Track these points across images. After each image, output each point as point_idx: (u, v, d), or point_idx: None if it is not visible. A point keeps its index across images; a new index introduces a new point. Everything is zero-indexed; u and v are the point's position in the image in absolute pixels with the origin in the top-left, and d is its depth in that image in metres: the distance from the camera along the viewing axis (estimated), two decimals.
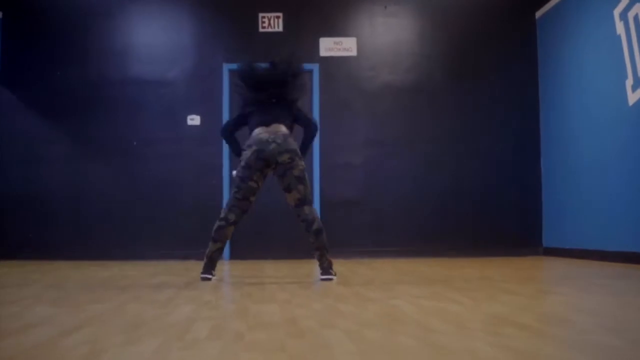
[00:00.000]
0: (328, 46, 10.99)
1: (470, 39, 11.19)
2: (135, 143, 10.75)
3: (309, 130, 6.88)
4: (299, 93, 7.03)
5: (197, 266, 7.82)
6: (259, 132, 6.56)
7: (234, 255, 10.58)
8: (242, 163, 6.55)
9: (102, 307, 4.51)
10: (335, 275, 6.60)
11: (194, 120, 10.80)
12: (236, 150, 6.90)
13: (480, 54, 11.19)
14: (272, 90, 6.77)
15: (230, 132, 6.96)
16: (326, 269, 6.56)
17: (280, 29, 10.94)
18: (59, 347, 3.07)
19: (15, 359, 2.84)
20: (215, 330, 3.52)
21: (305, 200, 6.56)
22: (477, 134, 11.03)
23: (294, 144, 6.57)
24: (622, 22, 8.58)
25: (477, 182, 10.97)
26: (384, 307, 4.42)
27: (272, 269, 8.31)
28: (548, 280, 6.76)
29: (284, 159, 6.46)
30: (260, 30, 10.93)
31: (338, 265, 8.21)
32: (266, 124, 6.61)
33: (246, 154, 6.53)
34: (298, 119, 6.86)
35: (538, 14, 11.08)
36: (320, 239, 6.55)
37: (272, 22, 10.93)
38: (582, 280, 6.69)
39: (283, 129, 6.60)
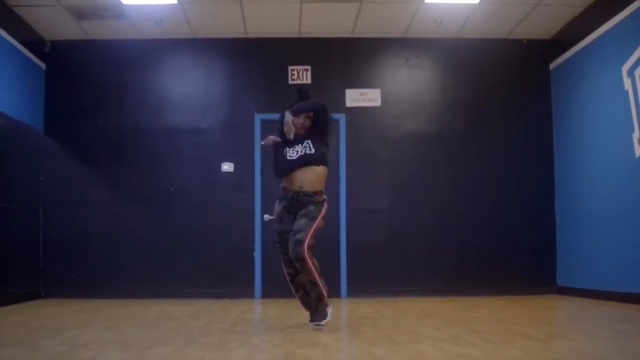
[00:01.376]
0: (354, 97, 11.59)
1: (488, 88, 11.79)
2: (173, 189, 11.35)
3: None
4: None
5: (232, 306, 8.47)
6: None
7: (266, 294, 11.10)
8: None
9: (165, 351, 5.14)
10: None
11: (227, 167, 11.39)
12: None
13: (497, 103, 11.78)
14: None
15: None
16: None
17: (309, 80, 11.52)
18: None
19: None
20: None
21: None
22: (495, 179, 11.59)
23: None
24: (629, 79, 9.19)
25: (495, 225, 11.52)
26: (412, 352, 5.04)
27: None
28: (559, 323, 7.32)
29: None
30: (290, 82, 11.48)
31: (364, 305, 8.83)
32: None
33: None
34: None
35: (552, 65, 11.67)
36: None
37: (301, 75, 11.54)
38: (591, 323, 7.29)
39: None
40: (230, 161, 11.43)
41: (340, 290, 10.97)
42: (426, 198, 11.54)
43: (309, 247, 6.50)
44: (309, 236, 6.51)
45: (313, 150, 6.72)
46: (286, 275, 6.81)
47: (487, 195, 11.56)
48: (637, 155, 8.99)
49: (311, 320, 6.69)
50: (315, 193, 6.74)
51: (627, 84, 9.24)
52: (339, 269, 11.17)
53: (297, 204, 6.73)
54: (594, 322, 7.35)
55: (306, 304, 6.86)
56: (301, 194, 6.70)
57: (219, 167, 11.43)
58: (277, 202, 6.93)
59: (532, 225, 11.56)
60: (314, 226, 6.58)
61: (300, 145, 6.77)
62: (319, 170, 6.77)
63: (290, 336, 6.00)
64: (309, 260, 6.47)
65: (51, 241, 11.24)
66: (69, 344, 5.56)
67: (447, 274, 11.39)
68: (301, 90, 7.15)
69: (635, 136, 9.02)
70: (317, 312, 6.69)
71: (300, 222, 6.59)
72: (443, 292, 11.12)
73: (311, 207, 6.67)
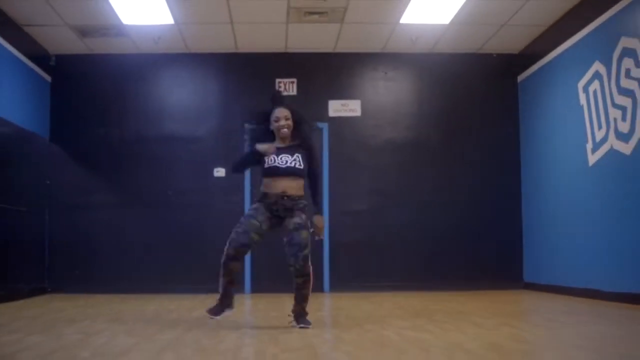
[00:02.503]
0: (336, 107, 12.49)
1: (461, 99, 12.71)
2: (170, 192, 12.24)
3: None
4: None
5: None
6: None
7: (255, 289, 12.04)
8: None
9: (169, 337, 6.08)
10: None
11: (219, 172, 12.28)
12: None
13: (469, 113, 12.70)
14: None
15: None
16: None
17: (295, 92, 12.40)
18: None
19: None
20: (258, 353, 5.13)
21: None
22: (467, 183, 12.52)
23: None
24: (584, 95, 10.13)
25: (468, 225, 12.44)
26: (376, 336, 6.03)
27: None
28: (511, 315, 8.20)
29: None
30: None
31: (345, 299, 9.82)
32: None
33: None
34: None
35: (520, 78, 12.60)
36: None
37: (287, 87, 12.41)
38: (539, 314, 8.33)
39: None
40: (223, 167, 12.26)
41: (323, 286, 11.86)
42: (403, 201, 12.45)
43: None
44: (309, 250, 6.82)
45: (302, 167, 6.87)
46: (225, 256, 6.91)
47: (459, 199, 12.47)
48: (590, 164, 9.94)
49: (298, 323, 6.79)
50: (299, 197, 6.88)
51: (583, 99, 10.18)
52: (322, 266, 12.02)
53: (282, 207, 6.82)
54: (542, 314, 8.37)
55: (227, 295, 7.02)
56: (285, 197, 6.79)
57: (212, 172, 12.31)
58: (255, 204, 7.01)
59: (501, 226, 12.49)
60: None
61: (290, 156, 6.87)
62: (301, 182, 6.92)
63: (274, 324, 6.96)
64: (311, 277, 6.81)
65: (56, 241, 12.09)
66: (84, 332, 6.48)
67: (422, 270, 12.29)
68: (275, 96, 7.26)
69: (588, 146, 9.96)
70: (302, 316, 6.86)
71: (302, 234, 6.75)
72: (418, 287, 11.99)
73: (303, 217, 6.83)
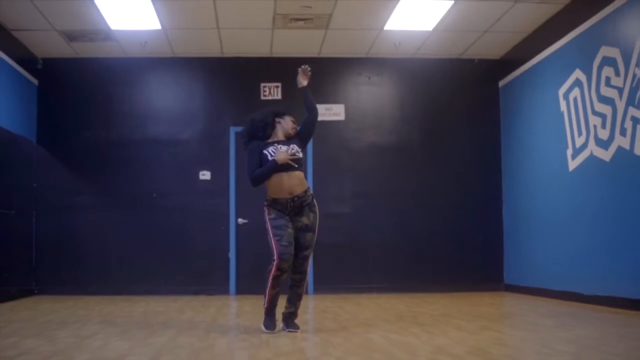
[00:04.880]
0: (320, 112, 12.09)
1: (443, 104, 12.90)
2: (155, 195, 12.38)
3: None
4: None
5: (210, 302, 9.65)
6: None
7: (239, 291, 12.16)
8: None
9: (161, 340, 6.26)
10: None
11: (205, 175, 12.43)
12: None
13: (451, 117, 12.91)
14: None
15: None
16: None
17: (279, 97, 12.54)
18: None
19: None
20: (251, 358, 5.31)
21: None
22: (448, 186, 12.72)
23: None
24: (565, 102, 10.35)
25: (449, 228, 12.64)
26: (362, 340, 6.23)
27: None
28: (493, 318, 8.40)
29: None
30: (262, 98, 12.53)
31: (329, 301, 10.00)
32: None
33: None
34: None
35: (501, 83, 12.82)
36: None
37: (272, 91, 12.58)
38: (519, 318, 8.53)
39: None
40: (207, 169, 12.46)
41: (307, 288, 12.02)
42: (386, 203, 12.63)
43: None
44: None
45: (301, 155, 7.03)
46: (277, 270, 6.78)
47: (441, 202, 12.67)
48: (570, 169, 10.16)
49: (287, 327, 6.96)
50: (306, 192, 7.02)
51: (563, 105, 10.40)
52: None
53: (294, 209, 6.97)
54: (522, 317, 8.58)
55: (274, 306, 7.05)
56: (296, 198, 6.92)
57: (197, 175, 12.47)
58: (269, 215, 6.98)
59: (482, 229, 12.71)
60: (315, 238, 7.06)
61: (287, 147, 6.99)
62: (301, 175, 7.02)
63: (262, 326, 7.09)
64: (307, 276, 7.09)
65: (43, 243, 12.21)
66: (78, 336, 6.64)
67: (405, 272, 12.48)
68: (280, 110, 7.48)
69: (569, 152, 10.19)
70: (291, 320, 7.04)
71: (307, 237, 6.99)
72: (401, 289, 12.21)
73: (312, 216, 7.02)
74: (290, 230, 6.89)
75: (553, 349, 5.74)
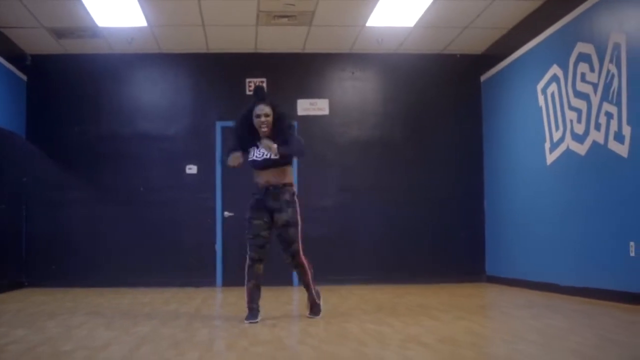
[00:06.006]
0: (304, 106, 12.86)
1: (425, 98, 13.10)
2: (142, 189, 12.57)
3: None
4: None
5: (196, 293, 9.91)
6: None
7: (226, 283, 12.35)
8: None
9: (145, 330, 6.49)
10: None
11: (191, 169, 12.65)
12: None
13: (434, 112, 13.12)
14: None
15: None
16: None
17: (265, 91, 12.58)
18: (136, 357, 5.06)
19: None
20: (229, 346, 5.54)
21: None
22: (431, 181, 12.93)
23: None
24: (542, 96, 10.58)
25: (432, 221, 12.87)
26: (338, 329, 6.47)
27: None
28: (469, 308, 8.56)
29: None
30: (247, 93, 12.62)
31: None
32: None
33: None
34: None
35: (483, 78, 13.03)
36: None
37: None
38: (497, 308, 8.79)
39: None
40: (194, 164, 12.67)
41: (292, 279, 12.23)
42: (370, 197, 12.84)
43: (304, 251, 7.40)
44: (300, 243, 7.33)
45: (277, 156, 7.05)
46: (249, 260, 7.23)
47: (424, 195, 12.88)
48: (548, 163, 10.39)
49: (309, 313, 7.56)
50: (284, 185, 7.23)
51: (541, 100, 10.62)
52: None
53: (270, 198, 7.19)
54: (498, 307, 8.85)
55: (253, 299, 7.24)
56: (271, 187, 7.18)
57: (184, 169, 12.67)
58: (249, 205, 7.32)
59: (464, 222, 12.94)
60: (299, 231, 7.32)
61: (267, 144, 7.03)
62: (281, 169, 7.21)
63: (244, 316, 7.29)
64: (306, 266, 7.45)
65: (33, 236, 12.39)
66: (65, 326, 6.88)
67: (389, 264, 12.70)
68: (257, 89, 7.56)
69: (547, 146, 10.41)
70: (313, 307, 7.57)
71: (290, 232, 7.26)
72: (385, 280, 12.41)
73: (290, 211, 7.23)
74: (258, 222, 7.23)
75: (521, 338, 5.98)
